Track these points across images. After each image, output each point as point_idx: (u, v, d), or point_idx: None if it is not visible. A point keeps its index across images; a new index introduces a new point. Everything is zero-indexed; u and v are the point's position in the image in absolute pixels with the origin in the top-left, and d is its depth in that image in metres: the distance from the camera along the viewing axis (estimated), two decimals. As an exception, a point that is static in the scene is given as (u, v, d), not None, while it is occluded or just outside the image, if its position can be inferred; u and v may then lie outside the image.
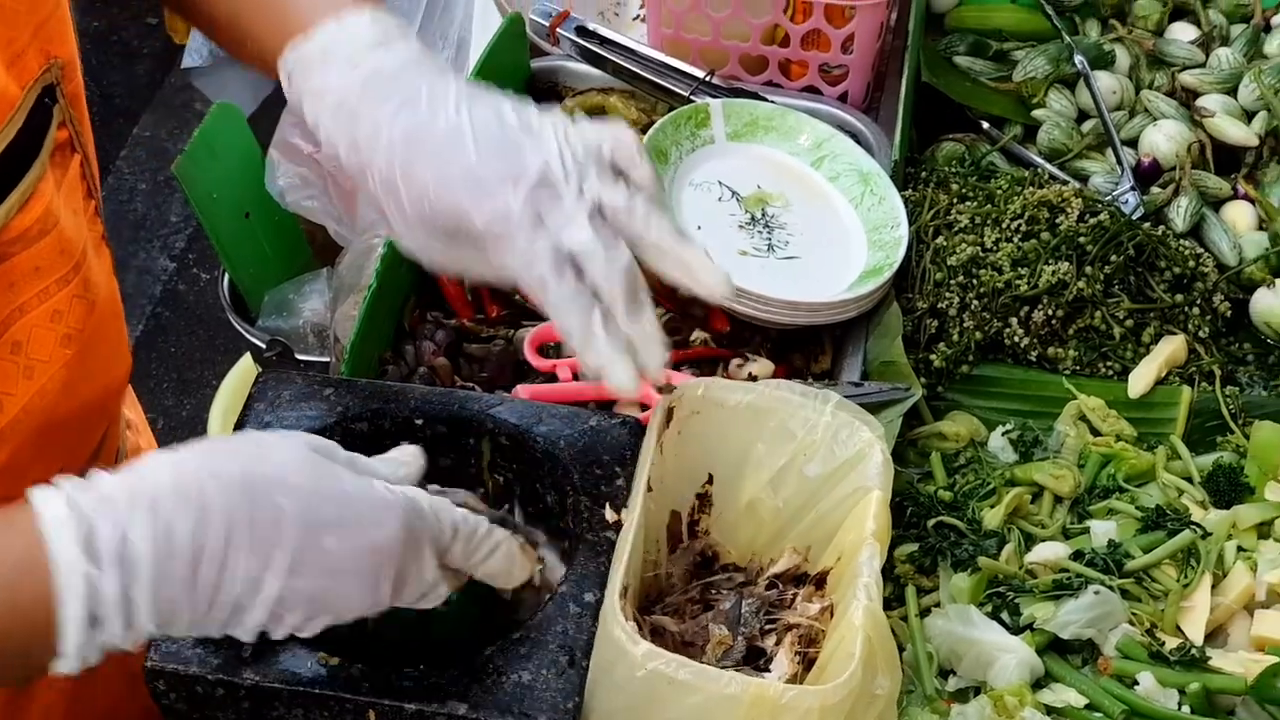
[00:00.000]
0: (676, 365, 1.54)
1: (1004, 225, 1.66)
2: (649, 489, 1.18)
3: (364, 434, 1.27)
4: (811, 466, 1.23)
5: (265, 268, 2.26)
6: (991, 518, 1.44)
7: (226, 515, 0.92)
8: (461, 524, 1.02)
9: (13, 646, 0.91)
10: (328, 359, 2.03)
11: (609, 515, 1.20)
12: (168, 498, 0.91)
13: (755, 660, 1.21)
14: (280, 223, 2.24)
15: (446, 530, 1.01)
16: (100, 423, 1.31)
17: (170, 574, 0.91)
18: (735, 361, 1.56)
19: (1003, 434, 1.56)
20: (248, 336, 2.20)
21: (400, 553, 0.97)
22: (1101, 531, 1.42)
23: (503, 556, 1.05)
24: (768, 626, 1.23)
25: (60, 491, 0.91)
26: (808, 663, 1.20)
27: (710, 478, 1.29)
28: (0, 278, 1.08)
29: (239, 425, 1.26)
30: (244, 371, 2.63)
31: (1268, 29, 1.99)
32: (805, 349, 1.61)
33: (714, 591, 1.26)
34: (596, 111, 1.88)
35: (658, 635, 1.21)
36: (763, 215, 1.68)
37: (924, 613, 1.39)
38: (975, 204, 1.70)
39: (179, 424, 3.12)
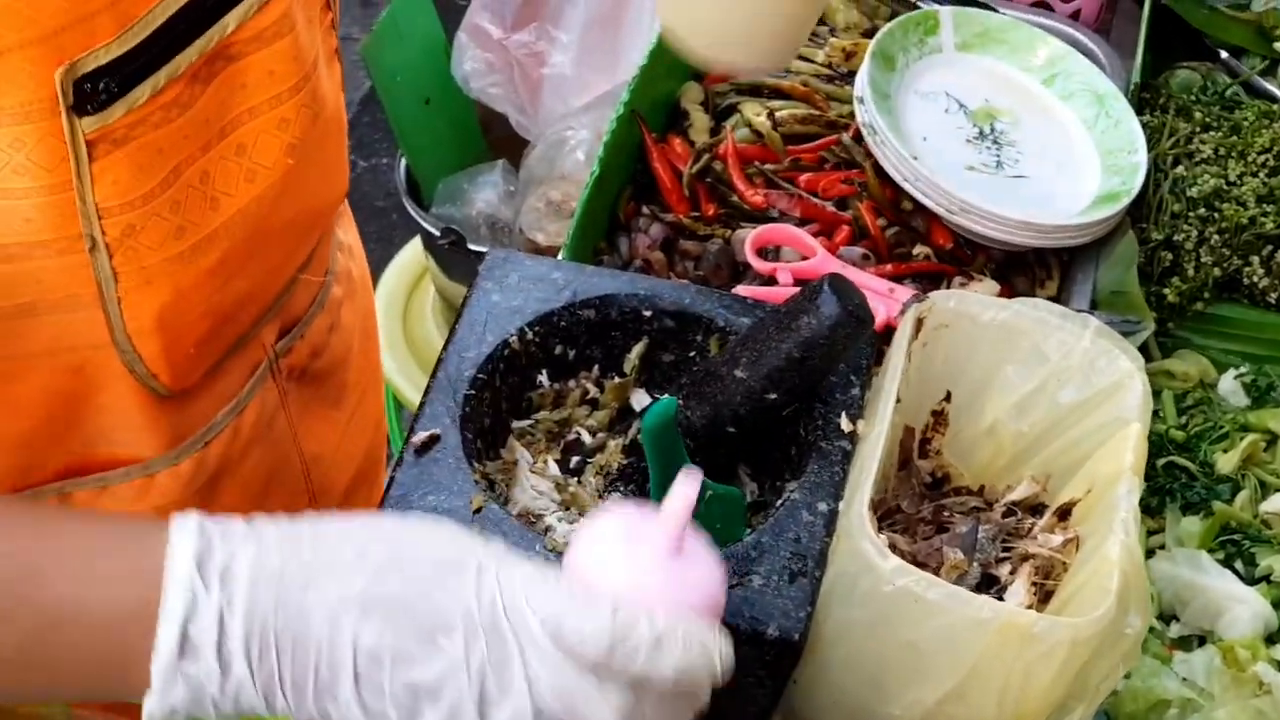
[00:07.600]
0: (898, 278, 1.48)
1: (1250, 159, 1.57)
2: (898, 399, 1.13)
3: (590, 321, 1.22)
4: (1065, 393, 1.17)
5: (440, 156, 2.24)
6: (1225, 462, 1.37)
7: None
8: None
9: (96, 656, 0.84)
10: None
11: (844, 424, 1.15)
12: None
13: (988, 589, 1.15)
14: (457, 112, 2.22)
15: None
16: (310, 237, 1.28)
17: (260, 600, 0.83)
18: (958, 280, 1.49)
19: (1235, 377, 1.48)
20: (421, 223, 2.17)
21: None
22: (1346, 486, 1.35)
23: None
24: (1002, 555, 1.17)
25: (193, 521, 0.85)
26: (1043, 595, 1.14)
27: (948, 395, 1.23)
28: (234, 77, 1.05)
29: (464, 302, 1.22)
30: (412, 255, 2.61)
31: None
32: (1030, 272, 1.54)
33: (947, 514, 1.21)
34: (812, 13, 1.81)
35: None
36: (991, 130, 1.60)
37: (1148, 554, 1.33)
38: (1219, 134, 1.61)
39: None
